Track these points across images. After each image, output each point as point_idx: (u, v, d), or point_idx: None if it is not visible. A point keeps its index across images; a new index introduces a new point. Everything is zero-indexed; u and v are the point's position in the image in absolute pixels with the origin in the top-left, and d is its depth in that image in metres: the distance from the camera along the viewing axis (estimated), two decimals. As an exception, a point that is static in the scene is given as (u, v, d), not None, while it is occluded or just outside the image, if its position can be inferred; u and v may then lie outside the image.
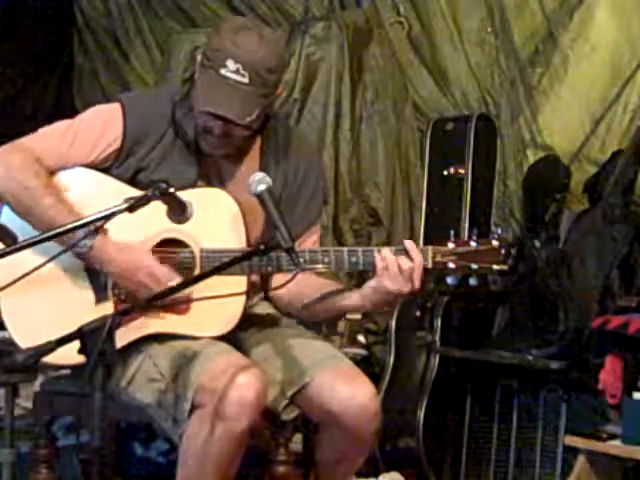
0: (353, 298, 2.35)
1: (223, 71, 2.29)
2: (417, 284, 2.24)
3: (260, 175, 2.23)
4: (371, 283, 2.28)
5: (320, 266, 2.28)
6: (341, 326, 4.02)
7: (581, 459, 3.28)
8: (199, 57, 2.37)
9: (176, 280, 2.28)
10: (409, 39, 4.42)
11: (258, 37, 2.33)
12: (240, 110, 2.31)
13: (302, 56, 4.24)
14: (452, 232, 2.27)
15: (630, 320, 3.23)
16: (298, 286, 2.30)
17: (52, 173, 2.40)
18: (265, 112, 2.41)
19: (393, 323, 3.89)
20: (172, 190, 2.15)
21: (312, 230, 2.55)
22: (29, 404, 2.91)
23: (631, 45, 3.79)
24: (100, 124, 2.43)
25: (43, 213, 2.31)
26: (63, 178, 2.41)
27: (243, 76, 2.29)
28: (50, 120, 2.50)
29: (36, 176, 2.35)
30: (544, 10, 4.02)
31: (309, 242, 2.53)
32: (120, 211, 2.07)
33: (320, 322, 3.52)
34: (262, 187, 2.20)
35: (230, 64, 2.28)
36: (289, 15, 4.67)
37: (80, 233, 2.16)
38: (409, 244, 2.25)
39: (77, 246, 2.24)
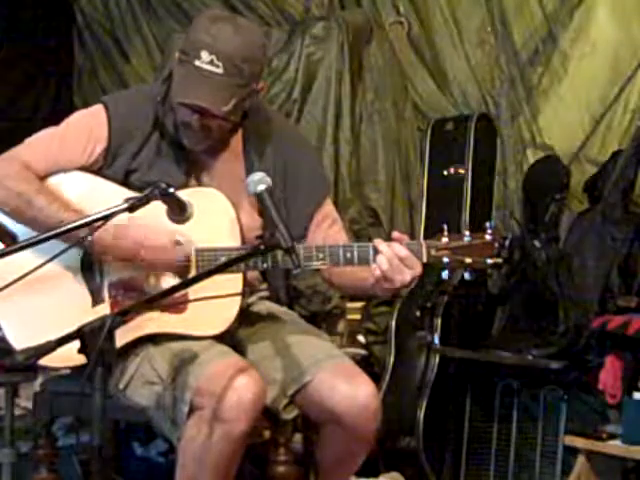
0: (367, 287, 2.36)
1: (197, 62, 2.30)
2: (418, 269, 2.24)
3: (259, 175, 2.22)
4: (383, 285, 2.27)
5: (315, 263, 2.28)
6: (341, 326, 4.02)
7: (581, 459, 3.28)
8: (177, 54, 2.38)
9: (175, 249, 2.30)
10: (409, 39, 4.42)
11: (232, 27, 2.33)
12: (215, 100, 2.31)
13: (302, 56, 4.24)
14: (445, 226, 2.27)
15: (630, 320, 3.23)
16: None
17: (43, 179, 2.41)
18: (243, 104, 2.40)
19: (393, 323, 3.89)
20: (172, 190, 2.15)
21: (325, 203, 2.55)
22: (29, 404, 2.91)
23: (631, 45, 3.79)
24: (86, 128, 2.44)
25: (38, 214, 2.32)
26: (58, 182, 2.42)
27: (217, 67, 2.29)
28: (50, 120, 2.51)
29: (27, 182, 2.36)
30: (544, 10, 4.02)
31: (326, 212, 2.53)
32: (121, 211, 2.07)
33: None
34: (262, 187, 2.20)
35: (204, 55, 2.29)
36: (289, 15, 4.67)
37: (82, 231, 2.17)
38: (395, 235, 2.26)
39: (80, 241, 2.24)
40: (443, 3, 4.30)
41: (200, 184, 2.47)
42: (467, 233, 2.25)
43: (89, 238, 2.26)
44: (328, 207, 2.56)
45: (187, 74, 2.32)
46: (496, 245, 2.24)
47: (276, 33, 4.32)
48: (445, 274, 2.26)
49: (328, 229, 2.52)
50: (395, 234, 2.26)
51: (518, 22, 4.11)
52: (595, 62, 3.89)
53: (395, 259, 2.20)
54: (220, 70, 2.30)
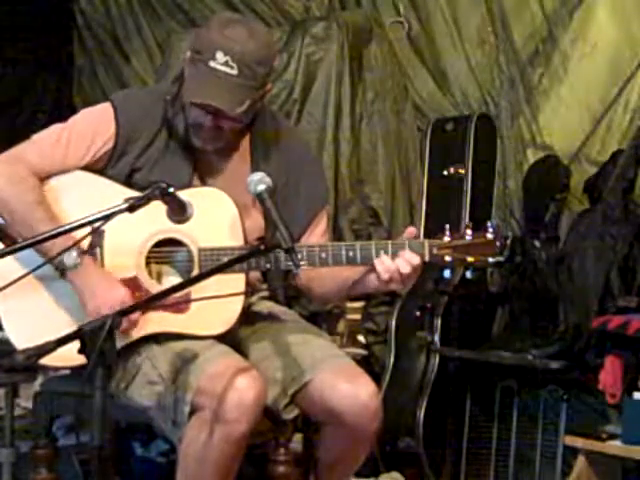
0: (358, 289, 2.37)
1: (212, 63, 2.30)
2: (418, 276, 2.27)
3: (259, 175, 2.23)
4: (374, 282, 2.29)
5: (317, 262, 2.29)
6: (341, 326, 4.02)
7: (581, 459, 3.28)
8: (188, 54, 2.38)
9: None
10: (409, 39, 4.42)
11: (247, 30, 2.33)
12: (230, 101, 2.31)
13: (302, 56, 4.24)
14: (447, 226, 2.28)
15: (630, 320, 3.23)
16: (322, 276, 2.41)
17: (49, 177, 2.41)
18: (255, 106, 2.41)
19: (393, 323, 3.89)
20: (172, 190, 2.15)
21: (322, 213, 2.56)
22: (29, 404, 2.91)
23: (631, 45, 3.79)
24: (92, 125, 2.44)
25: (35, 225, 2.30)
26: (61, 182, 2.42)
27: (232, 68, 2.29)
28: (50, 120, 2.51)
29: (30, 190, 2.36)
30: (544, 10, 4.02)
31: (319, 229, 2.54)
32: (121, 211, 2.07)
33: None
34: (262, 187, 2.20)
35: (219, 56, 2.29)
36: (289, 15, 4.67)
37: (58, 245, 2.16)
38: (408, 250, 2.25)
39: (63, 262, 2.25)
40: (443, 3, 4.31)
41: (204, 184, 2.47)
42: (469, 232, 2.26)
43: (76, 262, 2.27)
44: (324, 218, 2.57)
45: (201, 74, 2.32)
46: (498, 244, 2.25)
47: (276, 33, 4.32)
48: (447, 273, 2.28)
49: (320, 238, 2.53)
50: (409, 230, 2.29)
51: (518, 22, 4.11)
52: (595, 62, 3.89)
53: (399, 276, 2.23)
54: (235, 71, 2.30)
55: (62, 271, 2.31)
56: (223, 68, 2.29)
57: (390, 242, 2.28)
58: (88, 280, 2.31)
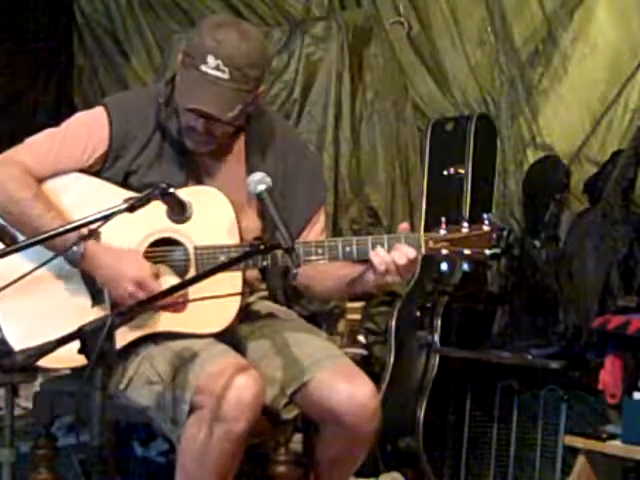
0: (358, 286, 2.37)
1: (204, 67, 2.29)
2: (416, 269, 2.26)
3: (260, 175, 2.23)
4: (371, 276, 2.28)
5: (314, 258, 2.28)
6: (341, 326, 4.02)
7: (581, 459, 3.28)
8: (180, 57, 2.38)
9: (164, 286, 2.29)
10: (409, 39, 4.42)
11: (238, 33, 2.33)
12: (220, 106, 2.31)
13: (302, 56, 4.23)
14: (443, 219, 2.27)
15: (630, 320, 3.23)
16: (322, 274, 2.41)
17: (44, 180, 2.40)
18: (247, 109, 2.41)
19: (393, 323, 3.89)
20: (172, 190, 2.15)
21: (320, 212, 2.56)
22: (29, 404, 2.91)
23: (631, 45, 3.79)
24: (86, 129, 2.44)
25: (31, 223, 2.31)
26: (57, 184, 2.42)
27: (223, 72, 2.29)
28: (50, 120, 2.50)
29: (25, 187, 2.36)
30: (544, 10, 4.02)
31: (318, 227, 2.54)
32: (120, 211, 2.07)
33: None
34: (262, 187, 2.20)
35: (210, 60, 2.29)
36: (289, 15, 4.67)
37: (71, 239, 2.16)
38: (404, 243, 2.25)
39: (69, 252, 2.24)
40: (443, 3, 4.31)
41: (200, 185, 2.47)
42: (465, 224, 2.25)
43: (80, 250, 2.27)
44: (322, 217, 2.57)
45: (192, 78, 2.32)
46: (494, 236, 2.25)
47: (276, 33, 4.32)
48: (444, 266, 2.27)
49: (318, 236, 2.53)
50: (402, 226, 2.28)
51: (518, 22, 4.11)
52: (595, 62, 3.90)
53: (395, 268, 2.22)
54: (226, 75, 2.29)
55: (70, 262, 2.32)
56: (214, 72, 2.29)
57: (386, 236, 2.28)
58: (96, 263, 2.31)
